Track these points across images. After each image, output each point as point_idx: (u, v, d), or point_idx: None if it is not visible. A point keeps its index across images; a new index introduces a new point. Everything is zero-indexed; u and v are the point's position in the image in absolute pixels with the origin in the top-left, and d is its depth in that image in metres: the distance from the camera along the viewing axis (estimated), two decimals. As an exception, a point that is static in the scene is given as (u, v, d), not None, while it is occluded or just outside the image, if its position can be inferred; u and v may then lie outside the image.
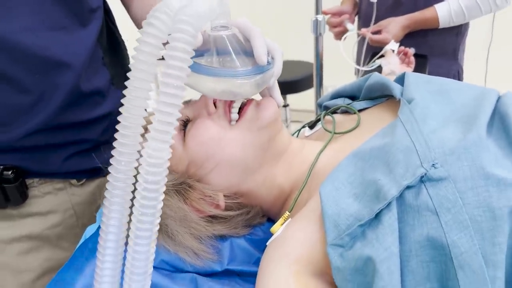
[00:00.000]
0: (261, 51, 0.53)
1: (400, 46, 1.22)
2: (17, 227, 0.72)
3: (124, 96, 0.40)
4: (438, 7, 1.29)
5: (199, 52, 0.53)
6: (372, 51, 1.30)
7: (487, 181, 0.43)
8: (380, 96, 0.66)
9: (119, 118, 0.40)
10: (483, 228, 0.42)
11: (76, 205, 0.77)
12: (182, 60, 0.38)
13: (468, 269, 0.41)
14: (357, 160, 0.51)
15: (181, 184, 0.57)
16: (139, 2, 0.78)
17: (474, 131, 0.47)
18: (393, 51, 1.20)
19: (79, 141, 0.71)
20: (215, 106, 0.60)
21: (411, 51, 1.23)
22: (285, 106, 2.33)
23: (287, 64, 2.33)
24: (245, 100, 0.60)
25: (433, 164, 0.45)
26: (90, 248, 0.60)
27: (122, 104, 0.39)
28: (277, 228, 0.54)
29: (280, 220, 0.55)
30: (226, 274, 0.58)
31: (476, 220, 0.42)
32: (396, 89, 0.60)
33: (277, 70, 0.57)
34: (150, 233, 0.40)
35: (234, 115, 0.59)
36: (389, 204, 0.44)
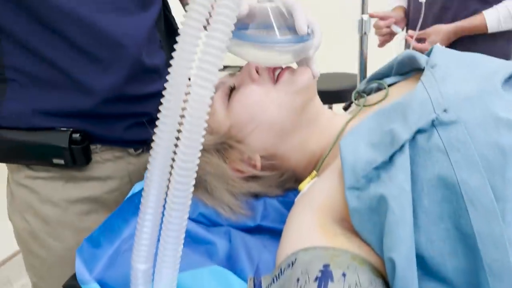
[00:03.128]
0: (301, 21, 0.58)
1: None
2: (80, 189, 0.81)
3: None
4: (486, 13, 1.30)
5: (245, 25, 0.60)
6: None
7: (498, 123, 0.46)
8: (411, 70, 0.70)
9: (167, 77, 0.46)
10: (493, 165, 0.44)
11: (132, 173, 0.86)
12: (226, 24, 0.42)
13: (478, 204, 0.43)
14: (377, 116, 0.55)
15: (222, 144, 0.63)
16: None
17: (490, 81, 0.50)
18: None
19: (139, 114, 0.81)
20: (258, 74, 0.65)
21: None
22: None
23: (333, 76, 2.40)
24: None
25: (445, 110, 0.48)
26: (136, 204, 0.67)
27: None
28: (304, 186, 0.59)
29: (307, 179, 0.60)
30: (258, 230, 0.63)
31: (486, 158, 0.44)
32: (422, 59, 0.63)
33: (316, 41, 0.62)
34: (190, 177, 0.44)
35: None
36: (402, 147, 0.48)
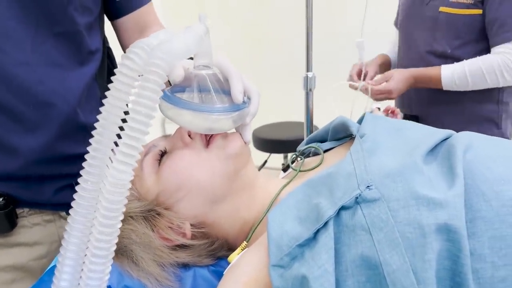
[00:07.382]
0: (237, 90, 0.58)
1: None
2: (3, 256, 0.76)
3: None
4: (443, 67, 1.30)
5: (181, 88, 0.59)
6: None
7: (417, 201, 0.46)
8: (345, 136, 0.70)
9: (91, 140, 0.46)
10: (413, 245, 0.44)
11: (63, 238, 0.81)
12: (153, 90, 0.42)
13: (400, 287, 0.43)
14: (306, 188, 0.54)
15: (150, 211, 0.61)
16: None
17: (411, 157, 0.51)
18: (379, 109, 1.25)
19: (72, 175, 0.77)
20: (191, 138, 0.64)
21: (399, 111, 1.28)
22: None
23: (285, 125, 2.42)
24: None
25: (368, 186, 0.48)
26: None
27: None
28: (234, 257, 0.57)
29: (238, 250, 0.58)
30: (187, 303, 0.60)
31: (407, 237, 0.44)
32: (354, 127, 0.64)
33: (253, 109, 0.62)
34: (107, 252, 0.44)
35: None
36: (326, 223, 0.47)
